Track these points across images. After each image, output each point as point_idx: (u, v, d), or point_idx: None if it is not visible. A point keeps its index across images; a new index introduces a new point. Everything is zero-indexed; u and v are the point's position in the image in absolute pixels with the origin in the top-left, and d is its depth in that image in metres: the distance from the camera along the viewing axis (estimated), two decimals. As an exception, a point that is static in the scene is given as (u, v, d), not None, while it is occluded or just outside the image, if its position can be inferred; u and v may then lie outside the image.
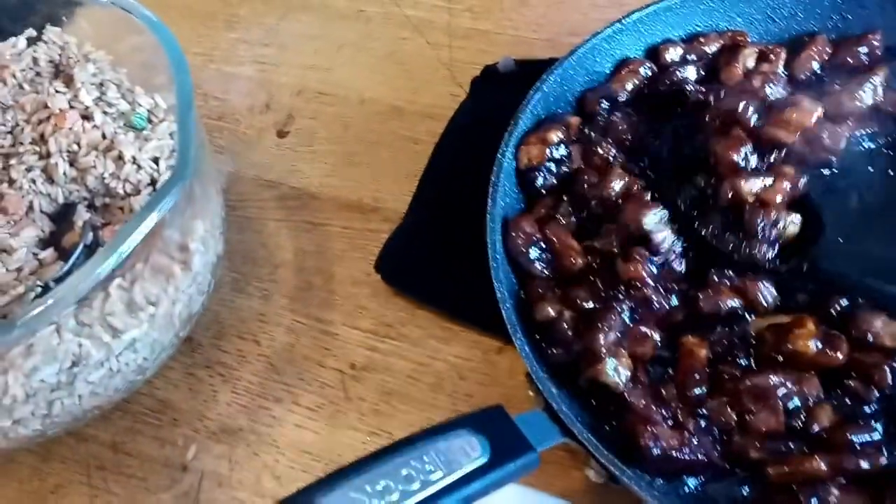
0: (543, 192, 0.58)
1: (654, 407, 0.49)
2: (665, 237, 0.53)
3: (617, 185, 0.55)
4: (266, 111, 0.73)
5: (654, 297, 0.52)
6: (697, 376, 0.50)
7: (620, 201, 0.54)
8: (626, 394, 0.49)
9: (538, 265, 0.54)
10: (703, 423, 0.49)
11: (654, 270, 0.52)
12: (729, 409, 0.49)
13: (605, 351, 0.50)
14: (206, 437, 0.57)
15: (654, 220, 0.53)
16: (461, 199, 0.61)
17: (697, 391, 0.50)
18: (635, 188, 0.55)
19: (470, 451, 0.41)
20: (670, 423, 0.49)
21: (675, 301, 0.53)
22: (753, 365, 0.51)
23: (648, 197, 0.55)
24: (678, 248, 0.53)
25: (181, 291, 0.55)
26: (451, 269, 0.61)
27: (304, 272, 0.64)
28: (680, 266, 0.53)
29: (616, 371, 0.50)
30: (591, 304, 0.52)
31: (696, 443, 0.48)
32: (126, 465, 0.57)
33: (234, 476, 0.55)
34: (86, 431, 0.58)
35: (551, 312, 0.52)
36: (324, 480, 0.39)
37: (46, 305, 0.46)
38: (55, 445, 0.57)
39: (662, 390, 0.50)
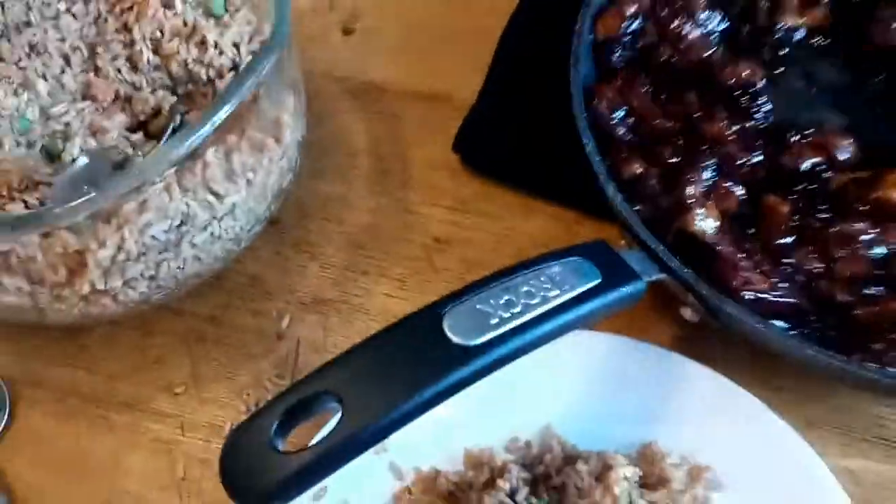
0: (620, 65, 0.59)
1: (742, 255, 0.51)
2: (753, 92, 0.54)
3: (697, 51, 0.57)
4: (330, 11, 0.74)
5: (737, 153, 0.54)
6: (782, 228, 0.52)
7: (705, 64, 0.56)
8: (715, 242, 0.51)
9: (622, 129, 0.56)
10: (789, 271, 0.51)
11: (737, 129, 0.54)
12: (814, 258, 0.51)
13: (693, 201, 0.52)
14: (299, 308, 0.59)
15: (746, 76, 0.54)
16: (535, 78, 0.63)
17: (782, 241, 0.52)
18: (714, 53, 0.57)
19: (582, 276, 0.43)
20: (758, 271, 0.51)
21: (757, 158, 0.54)
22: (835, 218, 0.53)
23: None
24: (764, 108, 0.55)
25: (274, 163, 0.56)
26: (528, 147, 0.63)
27: (381, 158, 0.66)
28: (763, 124, 0.55)
29: (704, 220, 0.52)
30: (676, 160, 0.54)
31: (785, 286, 0.50)
32: (224, 336, 0.59)
33: (328, 341, 0.58)
34: (182, 307, 0.60)
35: (638, 169, 0.54)
36: (452, 294, 0.41)
37: (159, 155, 0.48)
38: (154, 321, 0.59)
39: (747, 244, 0.52)
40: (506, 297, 0.41)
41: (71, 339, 0.60)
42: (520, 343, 0.40)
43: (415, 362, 0.39)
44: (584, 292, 0.42)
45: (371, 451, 0.50)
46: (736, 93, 0.55)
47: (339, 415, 0.38)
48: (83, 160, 0.53)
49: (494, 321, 0.40)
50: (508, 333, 0.40)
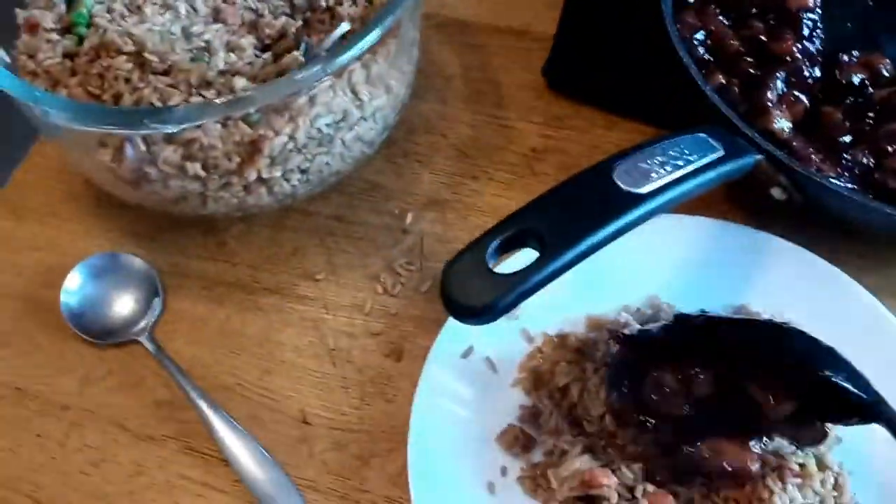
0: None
1: (812, 149, 0.61)
2: (811, 20, 0.65)
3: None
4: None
5: (802, 67, 0.64)
6: (839, 130, 0.62)
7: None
8: (790, 139, 0.61)
9: (701, 49, 0.65)
10: (849, 165, 0.61)
11: (801, 47, 0.64)
12: (867, 153, 0.62)
13: (771, 104, 0.62)
14: (418, 207, 0.67)
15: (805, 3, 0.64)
16: (608, 9, 0.73)
17: (841, 140, 0.62)
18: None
19: (708, 148, 0.52)
20: (825, 164, 0.61)
21: (817, 73, 0.65)
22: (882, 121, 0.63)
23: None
24: (820, 31, 0.65)
25: (406, 76, 0.64)
26: (607, 69, 0.72)
27: (474, 82, 0.74)
28: (819, 46, 0.65)
29: (780, 121, 0.62)
30: (754, 72, 0.64)
31: (847, 176, 0.60)
32: (352, 231, 0.66)
33: (449, 233, 0.65)
34: (310, 207, 0.67)
35: (721, 80, 0.63)
36: (617, 154, 0.49)
37: (328, 62, 0.55)
38: (285, 219, 0.66)
39: (813, 143, 0.62)
40: (659, 158, 0.50)
41: (209, 236, 0.66)
42: (675, 194, 0.49)
43: (596, 205, 0.47)
44: (713, 160, 0.51)
45: (504, 317, 0.60)
46: (797, 17, 0.66)
47: (536, 249, 0.46)
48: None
49: (654, 175, 0.49)
50: (666, 186, 0.48)
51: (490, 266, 0.45)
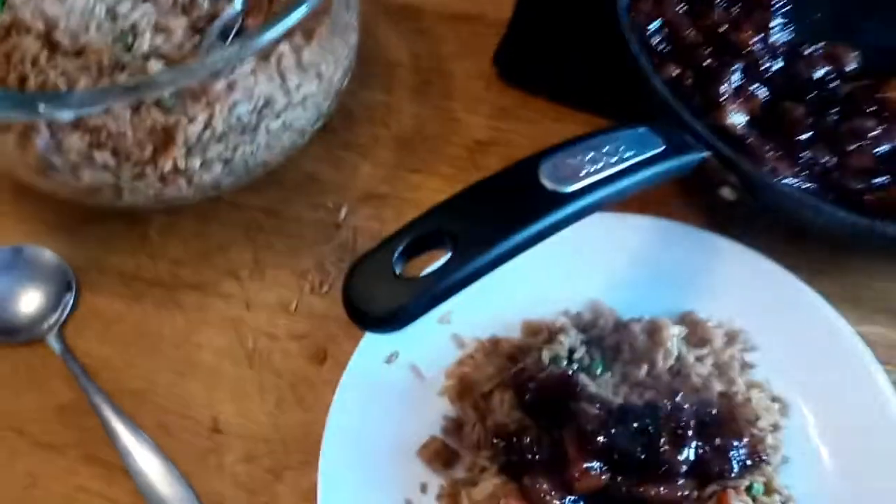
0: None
1: (767, 146, 0.57)
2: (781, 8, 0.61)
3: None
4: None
5: (761, 58, 0.60)
6: (799, 127, 0.58)
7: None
8: (744, 135, 0.57)
9: (656, 39, 0.61)
10: (808, 163, 0.57)
11: (763, 38, 0.60)
12: (828, 152, 0.58)
13: (726, 98, 0.58)
14: (354, 201, 0.63)
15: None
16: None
17: (800, 138, 0.58)
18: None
19: (649, 144, 0.48)
20: (782, 162, 0.57)
21: (777, 66, 0.61)
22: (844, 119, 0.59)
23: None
24: (781, 22, 0.61)
25: (340, 62, 0.60)
26: (562, 62, 0.68)
27: (422, 71, 0.70)
28: (783, 37, 0.61)
29: (735, 115, 0.58)
30: (709, 63, 0.60)
31: (804, 175, 0.56)
32: (283, 226, 0.62)
33: (385, 230, 0.60)
34: (239, 200, 0.63)
35: (675, 71, 0.59)
36: (546, 150, 0.45)
37: (244, 43, 0.51)
38: (214, 212, 0.62)
39: (770, 139, 0.58)
40: (590, 154, 0.46)
41: (132, 228, 0.62)
42: (604, 193, 0.45)
43: (517, 205, 0.43)
44: (653, 156, 0.48)
45: (435, 320, 0.56)
46: (767, 5, 0.62)
47: (449, 250, 0.42)
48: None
49: (583, 173, 0.45)
50: (595, 184, 0.45)
51: (396, 270, 0.42)
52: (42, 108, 0.48)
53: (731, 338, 0.55)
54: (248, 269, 0.60)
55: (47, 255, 0.60)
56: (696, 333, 0.54)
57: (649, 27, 0.62)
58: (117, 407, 0.54)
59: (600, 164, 0.46)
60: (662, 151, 0.48)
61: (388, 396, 0.53)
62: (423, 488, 0.51)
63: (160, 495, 0.52)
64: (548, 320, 0.55)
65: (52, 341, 0.57)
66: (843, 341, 0.53)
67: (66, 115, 0.49)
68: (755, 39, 0.60)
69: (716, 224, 0.58)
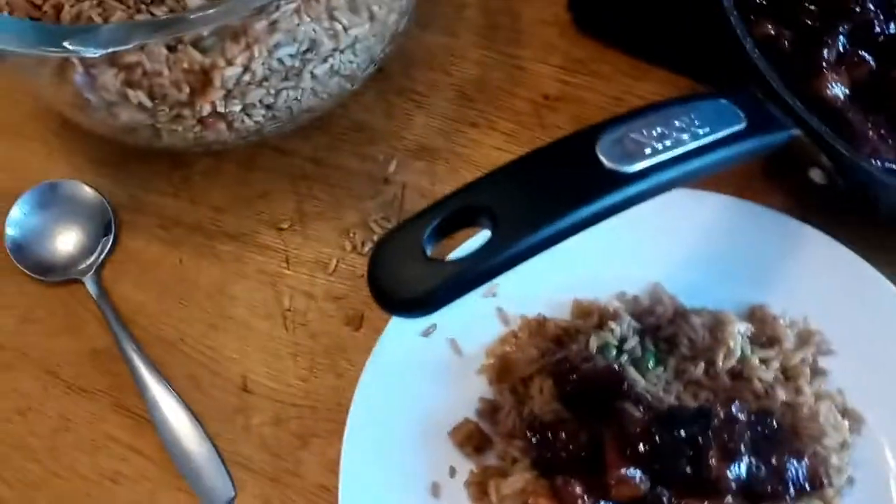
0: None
1: (870, 124, 0.50)
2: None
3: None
4: None
5: (874, 19, 0.52)
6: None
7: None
8: (845, 109, 0.50)
9: (754, -8, 0.54)
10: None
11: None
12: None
13: (827, 65, 0.51)
14: (405, 154, 0.59)
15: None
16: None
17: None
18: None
19: (729, 119, 0.42)
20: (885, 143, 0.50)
21: (893, 30, 0.53)
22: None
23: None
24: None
25: (395, 1, 0.55)
26: (644, 9, 0.61)
27: (491, 12, 0.64)
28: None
29: (836, 86, 0.51)
30: (811, 23, 0.52)
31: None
32: (329, 176, 0.59)
33: (436, 189, 0.57)
34: (286, 146, 0.59)
35: (771, 30, 0.52)
36: (607, 121, 0.40)
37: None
38: (258, 157, 0.59)
39: (873, 115, 0.51)
40: (659, 129, 0.40)
41: (175, 169, 0.60)
42: (672, 175, 0.39)
43: (568, 184, 0.39)
44: (732, 134, 0.42)
45: (479, 293, 0.52)
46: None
47: (489, 230, 0.38)
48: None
49: (648, 151, 0.39)
50: (661, 164, 0.39)
51: (427, 250, 0.37)
52: (68, 43, 0.45)
53: (804, 339, 0.49)
54: (289, 221, 0.57)
55: (88, 192, 0.58)
56: (765, 331, 0.49)
57: (746, -24, 0.55)
58: (147, 357, 0.53)
59: (670, 141, 0.40)
60: (744, 129, 0.42)
61: (423, 371, 0.50)
62: (452, 472, 0.48)
63: (185, 451, 0.51)
64: (601, 302, 0.51)
65: (89, 283, 0.55)
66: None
67: (92, 52, 0.46)
68: (868, -6, 0.53)
69: (801, 209, 0.52)
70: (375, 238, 0.56)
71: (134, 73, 0.49)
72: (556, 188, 0.39)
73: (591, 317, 0.50)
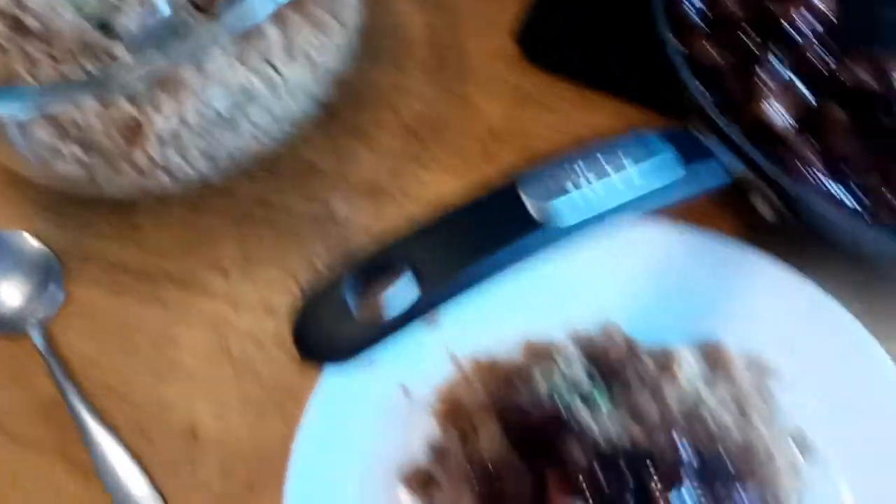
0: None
1: (810, 150, 0.50)
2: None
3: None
4: None
5: (810, 48, 0.52)
6: (842, 135, 0.50)
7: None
8: (786, 135, 0.50)
9: (693, 14, 0.54)
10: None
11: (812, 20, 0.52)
12: (874, 176, 0.50)
13: (768, 90, 0.50)
14: (353, 193, 0.58)
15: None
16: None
17: (843, 148, 0.50)
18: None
19: (664, 161, 0.42)
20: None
21: (829, 60, 0.52)
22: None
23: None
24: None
25: (334, 44, 0.55)
26: (593, 40, 0.61)
27: (438, 48, 0.64)
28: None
29: (777, 111, 0.50)
30: (751, 48, 0.52)
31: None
32: (276, 218, 0.58)
33: (384, 228, 0.56)
34: (234, 187, 0.59)
35: (712, 55, 0.52)
36: (526, 172, 0.40)
37: (220, 22, 0.46)
38: (205, 199, 0.59)
39: (812, 143, 0.51)
40: (585, 173, 0.40)
41: (121, 215, 0.59)
42: (593, 215, 0.39)
43: (491, 227, 0.38)
44: (665, 177, 0.41)
45: (423, 327, 0.51)
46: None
47: (412, 282, 0.38)
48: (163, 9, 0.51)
49: (573, 190, 0.39)
50: (586, 204, 0.39)
51: (352, 308, 0.37)
52: (-3, 106, 0.45)
53: (760, 374, 0.48)
54: (235, 265, 0.57)
55: (33, 243, 0.57)
56: (719, 367, 0.48)
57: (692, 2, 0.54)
58: (94, 409, 0.52)
59: (595, 184, 0.40)
60: (680, 173, 0.42)
61: (370, 413, 0.49)
62: (399, 516, 0.47)
63: (133, 502, 0.50)
64: (554, 342, 0.50)
65: (35, 335, 0.55)
66: (889, 384, 0.46)
67: (22, 116, 0.45)
68: (805, 18, 0.52)
69: (758, 236, 0.52)
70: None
71: (66, 127, 0.49)
72: (477, 234, 0.38)
73: (543, 358, 0.50)
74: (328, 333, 0.37)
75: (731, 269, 0.51)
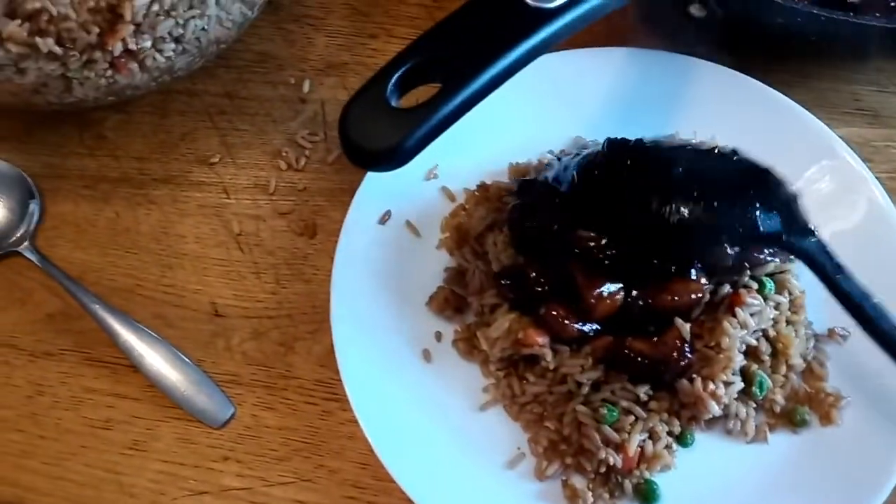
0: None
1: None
2: None
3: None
4: None
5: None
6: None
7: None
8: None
9: None
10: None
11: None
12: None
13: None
14: (315, 73, 0.61)
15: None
16: None
17: None
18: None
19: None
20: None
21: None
22: None
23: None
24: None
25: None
26: None
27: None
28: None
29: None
30: None
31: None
32: (246, 107, 0.60)
33: (353, 97, 0.60)
34: (196, 87, 0.60)
35: None
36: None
37: None
38: (170, 103, 0.59)
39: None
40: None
41: (85, 130, 0.59)
42: (589, 6, 0.44)
43: (503, 26, 0.42)
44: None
45: (422, 176, 0.55)
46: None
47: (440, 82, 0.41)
48: None
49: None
50: None
51: (392, 104, 0.40)
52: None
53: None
54: (218, 155, 0.58)
55: (3, 165, 0.56)
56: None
57: None
58: (110, 305, 0.52)
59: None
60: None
61: (389, 255, 0.52)
62: (438, 337, 0.51)
63: (173, 381, 0.51)
64: (534, 162, 0.55)
65: (27, 252, 0.54)
66: (825, 140, 0.54)
67: None
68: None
69: (684, 47, 0.58)
70: (307, 153, 0.58)
71: (39, 20, 0.49)
72: (492, 32, 0.42)
73: (528, 174, 0.54)
74: (371, 128, 0.40)
75: (672, 75, 0.57)
